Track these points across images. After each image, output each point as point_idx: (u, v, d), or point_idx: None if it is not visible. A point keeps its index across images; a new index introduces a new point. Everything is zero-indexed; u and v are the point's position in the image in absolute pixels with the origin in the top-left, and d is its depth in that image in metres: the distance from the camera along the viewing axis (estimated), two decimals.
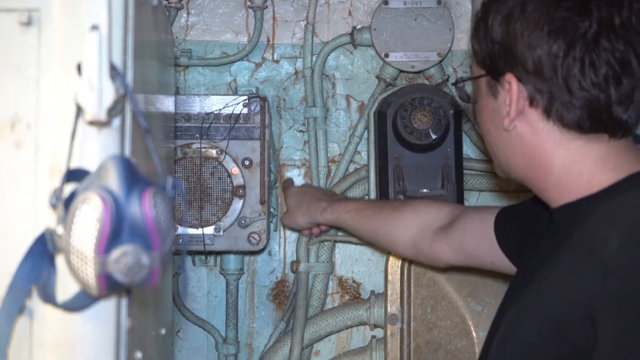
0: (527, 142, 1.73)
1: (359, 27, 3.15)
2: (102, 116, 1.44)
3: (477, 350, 2.94)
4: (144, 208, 1.38)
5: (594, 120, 1.64)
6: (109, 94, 1.43)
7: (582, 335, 1.50)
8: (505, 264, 2.23)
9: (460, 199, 2.97)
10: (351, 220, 2.68)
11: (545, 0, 1.66)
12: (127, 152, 1.57)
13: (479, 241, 2.29)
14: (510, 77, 1.70)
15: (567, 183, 1.71)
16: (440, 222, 2.47)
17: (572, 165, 1.70)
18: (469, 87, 2.17)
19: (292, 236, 3.21)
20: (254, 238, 2.95)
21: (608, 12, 1.60)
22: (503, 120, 1.74)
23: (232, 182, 2.94)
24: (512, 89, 1.70)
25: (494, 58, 1.75)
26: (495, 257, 2.24)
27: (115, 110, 1.48)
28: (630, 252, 1.49)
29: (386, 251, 3.02)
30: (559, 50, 1.61)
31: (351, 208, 2.72)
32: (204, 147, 2.94)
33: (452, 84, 2.23)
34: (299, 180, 3.21)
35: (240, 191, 2.94)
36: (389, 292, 2.96)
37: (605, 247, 1.53)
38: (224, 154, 2.94)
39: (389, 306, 2.97)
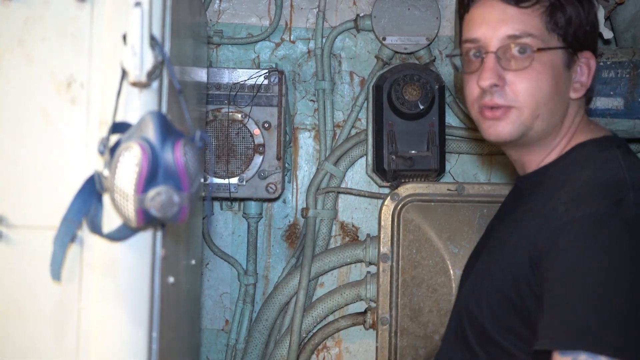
0: (571, 109, 1.74)
1: (361, 14, 3.14)
2: (143, 78, 1.44)
3: (454, 285, 2.94)
4: (176, 155, 1.38)
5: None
6: (149, 60, 1.44)
7: (533, 278, 1.53)
8: None
9: (442, 160, 2.96)
10: None
11: None
12: (164, 109, 1.57)
13: None
14: (589, 55, 1.72)
15: (548, 150, 1.75)
16: None
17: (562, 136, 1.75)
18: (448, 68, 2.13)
19: (303, 187, 3.21)
20: (271, 188, 2.95)
21: None
22: (576, 90, 1.74)
23: (254, 141, 2.93)
24: (591, 65, 1.72)
25: (578, 34, 1.72)
26: None
27: (154, 74, 1.48)
28: (572, 213, 1.49)
29: (381, 201, 3.02)
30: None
31: None
32: (231, 112, 2.93)
33: (447, 56, 2.18)
34: (309, 141, 3.20)
35: (261, 149, 2.93)
36: (382, 236, 2.96)
37: (554, 210, 1.55)
38: (247, 117, 2.93)
39: (381, 247, 2.96)
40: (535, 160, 1.77)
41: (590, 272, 1.41)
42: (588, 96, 1.78)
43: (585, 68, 1.72)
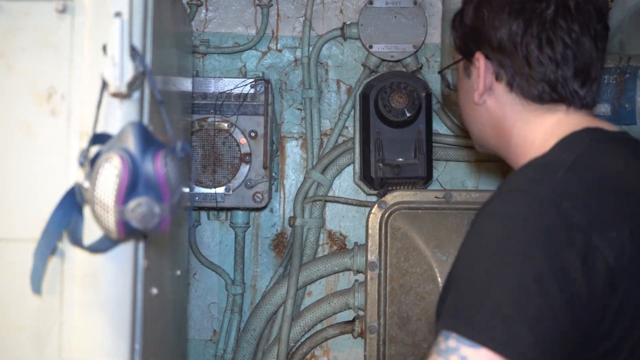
0: (494, 114, 1.67)
1: (348, 22, 3.14)
2: (123, 89, 1.44)
3: None
4: (157, 166, 1.38)
5: (551, 92, 1.58)
6: (129, 71, 1.44)
7: None
8: None
9: (429, 167, 2.96)
10: None
11: None
12: (145, 120, 1.57)
13: None
14: (479, 55, 1.65)
15: (523, 150, 1.63)
16: None
17: (527, 134, 1.62)
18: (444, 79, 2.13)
19: (290, 196, 3.20)
20: (258, 197, 2.95)
21: None
22: (474, 95, 1.68)
23: (240, 150, 2.93)
24: (480, 65, 1.65)
25: (466, 41, 1.70)
26: None
27: (134, 85, 1.48)
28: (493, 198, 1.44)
29: (368, 209, 3.01)
30: (518, 29, 1.56)
31: None
32: (218, 121, 2.93)
33: (438, 72, 2.16)
34: (296, 150, 3.20)
35: (247, 158, 2.92)
36: (370, 244, 2.95)
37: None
38: (234, 126, 2.92)
39: (369, 255, 2.95)
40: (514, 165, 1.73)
41: (478, 253, 1.36)
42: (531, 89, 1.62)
43: (475, 70, 1.68)
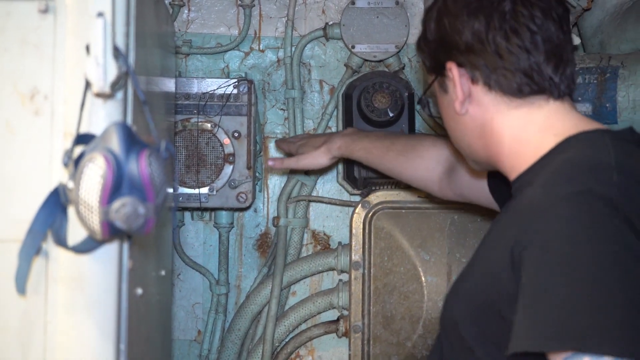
0: (479, 120, 1.64)
1: (330, 23, 3.13)
2: (107, 89, 1.44)
3: (426, 292, 2.94)
4: (141, 166, 1.38)
5: (529, 83, 1.56)
6: (112, 71, 1.43)
7: (510, 280, 1.40)
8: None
9: None
10: (364, 158, 2.47)
11: None
12: (129, 120, 1.57)
13: (476, 191, 2.13)
14: (450, 65, 1.63)
15: (518, 152, 1.61)
16: (441, 167, 2.29)
17: (519, 133, 1.60)
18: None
19: (274, 196, 3.20)
20: (241, 197, 2.94)
21: None
22: (455, 106, 1.66)
23: (223, 150, 2.92)
24: (453, 72, 1.63)
25: (435, 56, 1.69)
26: (492, 203, 2.11)
27: (118, 84, 1.48)
28: (550, 197, 1.38)
29: (352, 209, 3.02)
30: (481, 26, 1.56)
31: (361, 147, 2.46)
32: (201, 121, 2.92)
33: (417, 103, 2.12)
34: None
35: (231, 158, 2.92)
36: (353, 243, 2.96)
37: (532, 197, 1.45)
38: (217, 127, 2.92)
39: (353, 255, 2.96)
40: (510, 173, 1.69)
41: (576, 261, 1.27)
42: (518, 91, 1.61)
43: (451, 82, 1.66)
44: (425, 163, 2.29)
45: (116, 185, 1.36)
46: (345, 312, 3.07)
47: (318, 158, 2.53)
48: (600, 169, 1.39)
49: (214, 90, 2.93)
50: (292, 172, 3.10)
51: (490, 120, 1.63)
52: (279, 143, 2.78)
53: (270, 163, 2.64)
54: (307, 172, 3.06)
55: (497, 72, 1.58)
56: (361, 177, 2.93)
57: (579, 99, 2.60)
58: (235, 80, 2.94)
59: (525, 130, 1.60)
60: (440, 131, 3.11)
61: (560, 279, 1.27)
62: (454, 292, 1.70)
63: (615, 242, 1.27)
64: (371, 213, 2.96)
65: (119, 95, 1.52)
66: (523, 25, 1.55)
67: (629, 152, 1.47)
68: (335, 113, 3.14)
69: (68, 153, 1.45)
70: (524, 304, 1.32)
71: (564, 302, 1.25)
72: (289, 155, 2.70)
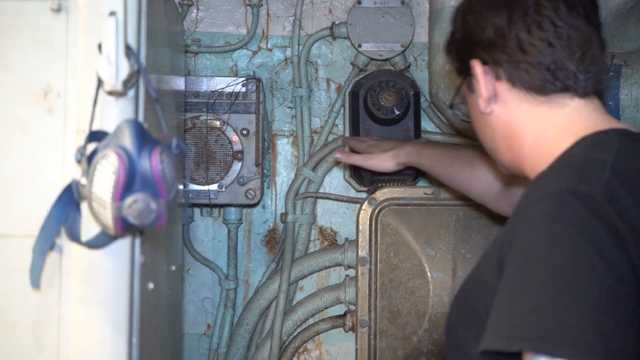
0: (504, 120, 1.59)
1: (337, 22, 3.13)
2: (119, 87, 1.44)
3: (431, 288, 2.93)
4: (153, 163, 1.38)
5: (552, 79, 1.50)
6: (124, 69, 1.44)
7: (495, 282, 1.36)
8: None
9: None
10: (430, 166, 2.43)
11: None
12: (140, 117, 1.57)
13: None
14: (474, 62, 1.59)
15: (537, 153, 1.56)
16: (500, 182, 2.22)
17: (539, 134, 1.55)
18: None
19: (282, 192, 3.20)
20: (250, 194, 2.94)
21: None
22: (480, 104, 1.60)
23: (232, 148, 2.92)
24: (477, 70, 1.59)
25: (461, 57, 1.65)
26: None
27: (129, 82, 1.48)
28: (534, 195, 1.36)
29: (359, 205, 3.02)
30: (502, 21, 1.51)
31: (429, 156, 2.42)
32: (210, 119, 2.92)
33: (449, 107, 2.06)
34: (288, 148, 3.20)
35: (239, 155, 2.92)
36: (360, 239, 2.95)
37: (523, 196, 1.44)
38: (226, 124, 2.92)
39: (359, 251, 2.96)
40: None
41: (545, 263, 1.24)
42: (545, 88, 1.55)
43: (475, 80, 1.62)
44: (487, 176, 2.24)
45: (129, 182, 1.36)
46: (352, 307, 3.07)
47: (385, 161, 2.50)
48: (592, 168, 1.35)
49: (223, 88, 2.93)
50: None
51: (514, 119, 1.58)
52: (348, 140, 2.74)
53: (337, 155, 2.58)
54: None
55: (519, 68, 1.53)
56: (368, 174, 2.93)
57: None
58: (244, 78, 2.94)
59: (546, 130, 1.55)
60: (444, 129, 3.11)
61: (528, 280, 1.25)
62: (455, 298, 1.68)
63: (588, 244, 1.23)
64: (377, 209, 2.95)
65: (131, 93, 1.52)
66: (546, 19, 1.49)
67: (634, 154, 1.42)
68: (342, 111, 3.14)
69: (81, 150, 1.45)
70: (496, 304, 1.30)
71: (528, 302, 1.23)
72: (355, 152, 2.67)
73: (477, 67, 1.59)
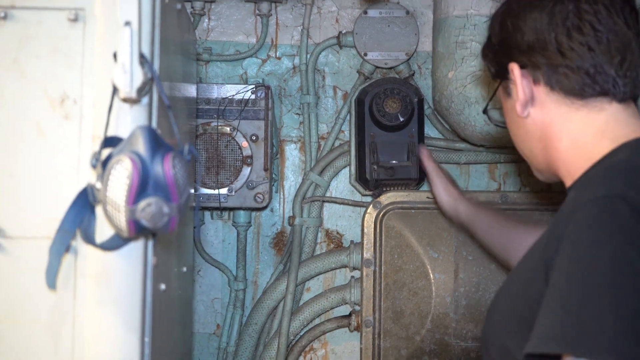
0: (540, 124, 1.54)
1: (344, 31, 3.13)
2: (133, 95, 1.44)
3: (434, 289, 2.94)
4: (165, 168, 1.38)
5: (591, 83, 1.45)
6: (139, 77, 1.44)
7: (542, 286, 1.32)
8: None
9: (421, 169, 2.95)
10: (480, 230, 2.32)
11: None
12: (154, 124, 1.57)
13: None
14: (512, 66, 1.54)
15: (573, 157, 1.51)
16: None
17: (576, 137, 1.49)
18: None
19: (289, 196, 3.20)
20: (259, 197, 2.94)
21: None
22: (517, 107, 1.56)
23: (242, 153, 2.93)
24: (515, 73, 1.54)
25: (498, 60, 1.61)
26: None
27: (143, 90, 1.48)
28: (580, 199, 1.32)
29: (364, 209, 3.01)
30: (542, 24, 1.47)
31: (484, 219, 2.32)
32: (220, 125, 2.93)
33: (483, 112, 1.98)
34: (295, 153, 3.20)
35: (249, 160, 2.92)
36: (365, 242, 2.95)
37: (568, 200, 1.42)
38: (236, 130, 2.92)
39: (364, 253, 2.96)
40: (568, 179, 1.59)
41: (592, 267, 1.20)
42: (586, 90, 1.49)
43: (513, 84, 1.57)
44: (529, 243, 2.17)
45: (142, 186, 1.36)
46: (357, 308, 3.07)
47: (445, 201, 2.47)
48: (635, 173, 1.32)
49: (233, 95, 2.94)
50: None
51: (551, 122, 1.53)
52: (425, 152, 2.64)
53: (424, 151, 2.58)
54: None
55: (558, 72, 1.48)
56: (372, 179, 2.93)
57: None
58: (253, 86, 2.95)
59: (583, 133, 1.50)
60: (448, 136, 3.11)
61: (574, 285, 1.21)
62: (495, 306, 1.61)
63: (633, 250, 1.19)
64: (382, 213, 2.95)
65: (145, 100, 1.52)
66: (586, 23, 1.45)
67: None
68: (348, 117, 3.14)
69: (96, 155, 1.45)
70: (542, 309, 1.26)
71: (572, 307, 1.19)
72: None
73: (516, 70, 1.54)
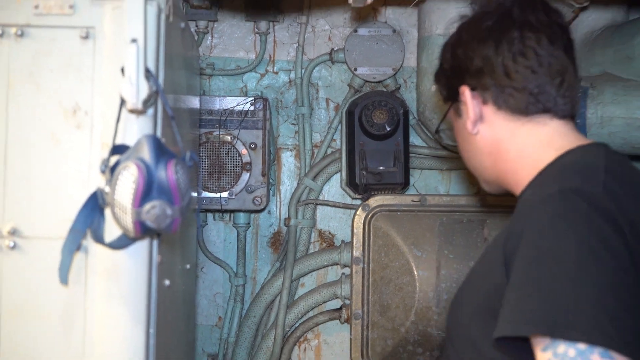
0: (489, 139, 1.57)
1: (335, 48, 3.13)
2: (139, 106, 1.44)
3: (418, 284, 2.93)
4: (168, 173, 1.38)
5: (534, 102, 1.50)
6: (144, 90, 1.44)
7: (502, 275, 1.34)
8: None
9: (407, 175, 2.96)
10: None
11: (474, 22, 1.59)
12: (158, 133, 1.57)
13: None
14: (463, 89, 1.58)
15: (521, 166, 1.53)
16: None
17: (523, 149, 1.53)
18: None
19: (285, 199, 3.19)
20: (257, 200, 2.94)
21: (523, 14, 1.51)
22: (467, 125, 1.59)
23: (241, 160, 2.92)
24: (465, 95, 1.57)
25: (450, 84, 1.64)
26: None
27: (149, 102, 1.48)
28: (537, 195, 1.34)
29: (353, 211, 3.01)
30: (490, 51, 1.51)
31: None
32: (222, 134, 2.92)
33: (435, 132, 1.98)
34: (291, 160, 3.19)
35: (248, 166, 2.92)
36: (355, 241, 2.95)
37: (524, 199, 1.43)
38: (236, 139, 2.92)
39: (354, 251, 2.95)
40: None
41: (557, 255, 1.22)
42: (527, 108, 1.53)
43: (464, 105, 1.60)
44: None
45: (147, 190, 1.36)
46: (347, 302, 3.06)
47: None
48: (589, 170, 1.34)
49: (234, 107, 2.93)
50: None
51: (499, 138, 1.57)
52: None
53: None
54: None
55: (505, 92, 1.52)
56: (362, 183, 2.93)
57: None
58: (252, 98, 2.94)
59: (529, 145, 1.53)
60: (430, 144, 3.10)
61: (541, 272, 1.22)
62: (458, 299, 1.62)
63: (594, 237, 1.22)
64: (370, 215, 2.95)
65: (150, 111, 1.52)
66: (530, 49, 1.49)
67: (619, 161, 1.42)
68: (339, 127, 3.13)
69: (105, 161, 1.45)
70: (509, 295, 1.27)
71: (542, 293, 1.20)
72: None
73: (466, 92, 1.58)
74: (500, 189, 1.67)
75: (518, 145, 1.54)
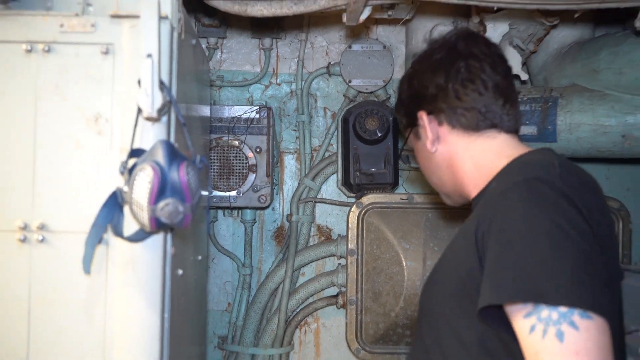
0: (447, 155, 1.61)
1: (332, 62, 3.13)
2: (154, 114, 1.44)
3: (406, 274, 2.93)
4: (180, 175, 1.38)
5: (483, 119, 1.55)
6: (159, 100, 1.44)
7: (475, 259, 1.35)
8: None
9: (396, 176, 2.96)
10: None
11: (426, 56, 1.64)
12: (171, 138, 1.57)
13: None
14: (420, 114, 1.62)
15: (477, 175, 1.57)
16: None
17: (478, 159, 1.57)
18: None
19: (287, 197, 3.19)
20: (262, 199, 2.94)
21: (467, 47, 1.57)
22: (427, 145, 1.62)
23: (248, 162, 2.92)
24: (423, 118, 1.61)
25: (409, 111, 1.67)
26: None
27: (163, 111, 1.48)
28: (502, 186, 1.35)
29: (349, 208, 3.01)
30: (441, 80, 1.57)
31: None
32: (230, 139, 2.92)
33: (398, 155, 2.01)
34: (292, 162, 3.19)
35: (254, 168, 2.92)
36: (349, 235, 2.95)
37: (489, 193, 1.44)
38: (243, 144, 2.91)
39: (349, 244, 2.95)
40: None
41: (530, 234, 1.24)
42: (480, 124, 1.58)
43: (422, 128, 1.63)
44: None
45: (161, 189, 1.37)
46: (343, 289, 3.06)
47: None
48: (545, 165, 1.37)
49: (241, 115, 2.93)
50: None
51: (455, 153, 1.61)
52: None
53: None
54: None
55: (457, 113, 1.57)
56: (356, 183, 2.93)
57: (527, 122, 2.59)
58: (258, 107, 2.94)
59: (483, 155, 1.57)
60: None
61: (518, 249, 1.24)
62: (432, 279, 1.62)
63: (561, 216, 1.25)
64: (363, 211, 2.95)
65: (164, 119, 1.52)
66: (475, 75, 1.55)
67: (567, 160, 1.44)
68: (335, 133, 3.13)
69: (124, 164, 1.45)
70: (488, 272, 1.28)
71: (522, 266, 1.22)
72: None
73: (424, 116, 1.62)
74: (460, 199, 1.70)
75: (473, 157, 1.59)
